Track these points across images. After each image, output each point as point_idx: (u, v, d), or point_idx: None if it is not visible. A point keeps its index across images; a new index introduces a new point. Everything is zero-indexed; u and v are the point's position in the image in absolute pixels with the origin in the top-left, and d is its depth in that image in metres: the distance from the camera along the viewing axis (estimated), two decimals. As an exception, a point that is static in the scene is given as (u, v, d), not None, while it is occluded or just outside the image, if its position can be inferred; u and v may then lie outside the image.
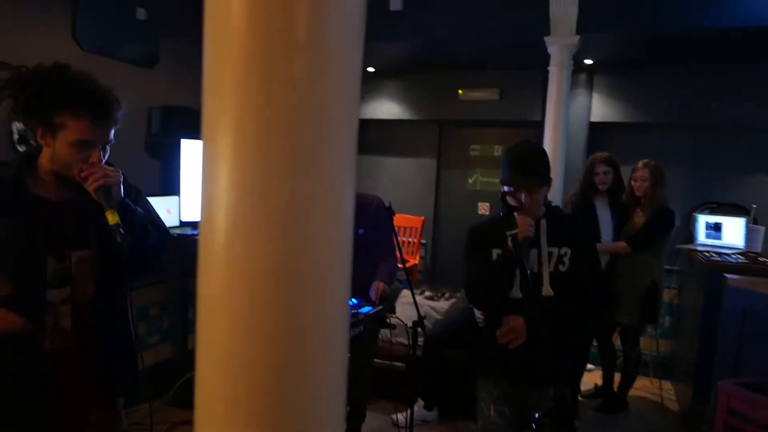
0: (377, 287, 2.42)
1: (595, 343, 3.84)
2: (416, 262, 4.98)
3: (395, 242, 2.69)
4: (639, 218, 3.46)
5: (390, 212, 2.41)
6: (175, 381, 3.51)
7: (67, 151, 1.44)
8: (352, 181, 0.62)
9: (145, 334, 3.61)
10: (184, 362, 3.60)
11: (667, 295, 4.37)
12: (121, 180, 1.58)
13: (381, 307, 2.32)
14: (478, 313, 3.50)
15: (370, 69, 4.98)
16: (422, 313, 3.86)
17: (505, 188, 1.81)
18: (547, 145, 3.60)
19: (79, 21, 2.99)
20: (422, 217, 5.07)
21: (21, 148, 2.71)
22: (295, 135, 0.57)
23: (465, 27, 3.73)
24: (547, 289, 1.77)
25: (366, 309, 2.27)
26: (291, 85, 0.56)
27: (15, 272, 1.48)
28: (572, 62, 3.56)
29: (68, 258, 1.52)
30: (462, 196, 5.10)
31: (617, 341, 3.70)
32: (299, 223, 0.58)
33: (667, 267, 4.28)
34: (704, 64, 4.12)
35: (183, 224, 3.53)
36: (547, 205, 1.88)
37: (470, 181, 5.16)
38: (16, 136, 2.73)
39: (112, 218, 1.43)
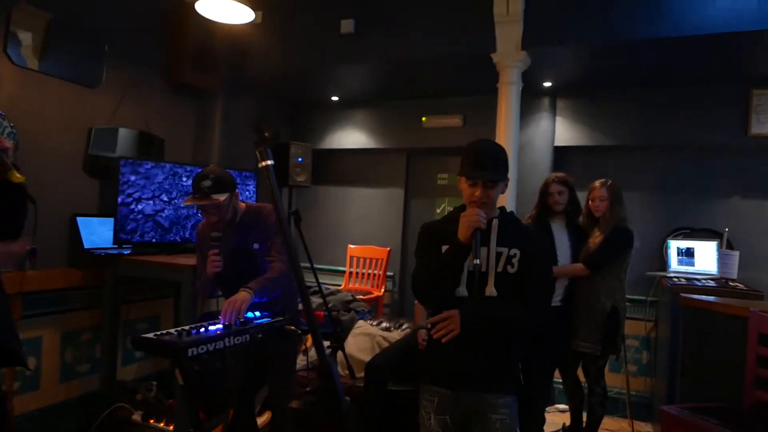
0: (227, 305, 2.11)
1: (559, 378, 3.54)
2: (380, 294, 4.75)
3: (283, 244, 2.40)
4: (596, 238, 3.26)
5: (296, 217, 2.24)
6: (101, 413, 3.28)
7: None
8: None
9: (73, 362, 3.41)
10: (111, 393, 3.37)
11: (643, 328, 4.11)
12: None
13: (281, 318, 2.10)
14: (421, 336, 3.27)
15: (334, 98, 4.94)
16: (374, 344, 3.68)
17: (469, 181, 1.76)
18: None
19: (11, 37, 2.98)
20: (388, 248, 4.88)
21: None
22: None
23: (417, 47, 3.68)
24: (491, 289, 1.74)
25: (263, 320, 2.06)
26: None
27: None
28: (521, 80, 3.45)
29: None
30: (430, 226, 4.91)
31: (583, 376, 3.40)
32: None
33: (640, 297, 4.06)
34: (669, 87, 4.00)
35: (119, 244, 3.39)
36: (502, 207, 1.88)
37: (438, 210, 4.99)
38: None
39: (17, 177, 1.43)
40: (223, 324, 1.98)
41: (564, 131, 4.32)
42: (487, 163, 1.75)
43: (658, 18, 3.07)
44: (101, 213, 3.50)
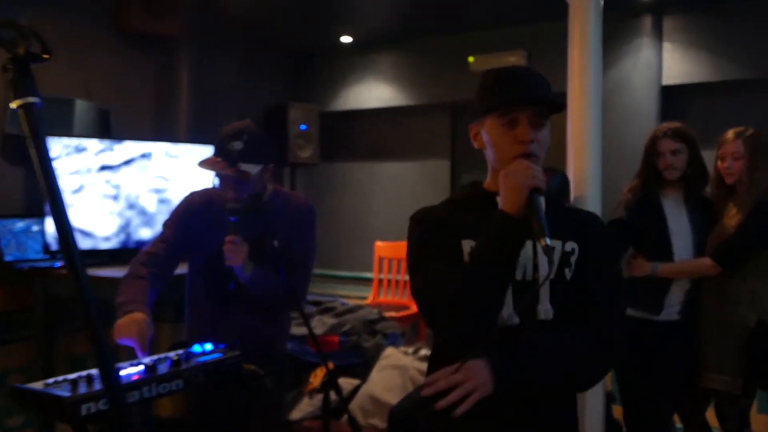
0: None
1: (680, 425, 3.27)
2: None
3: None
4: (732, 219, 2.94)
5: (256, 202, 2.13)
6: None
7: None
8: None
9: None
10: None
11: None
12: None
13: (236, 353, 1.88)
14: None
15: (345, 39, 4.80)
16: (405, 381, 3.50)
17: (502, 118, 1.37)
18: (572, 121, 3.11)
19: None
20: (430, 244, 4.65)
21: None
22: None
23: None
24: (546, 309, 1.39)
25: (211, 357, 1.84)
26: None
27: None
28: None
29: None
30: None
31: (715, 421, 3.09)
32: None
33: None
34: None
35: (52, 254, 3.35)
36: (555, 170, 1.67)
37: (500, 188, 4.72)
38: None
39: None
40: (145, 365, 1.76)
41: (676, 63, 4.04)
42: (531, 83, 1.39)
43: None
44: (28, 213, 3.45)
